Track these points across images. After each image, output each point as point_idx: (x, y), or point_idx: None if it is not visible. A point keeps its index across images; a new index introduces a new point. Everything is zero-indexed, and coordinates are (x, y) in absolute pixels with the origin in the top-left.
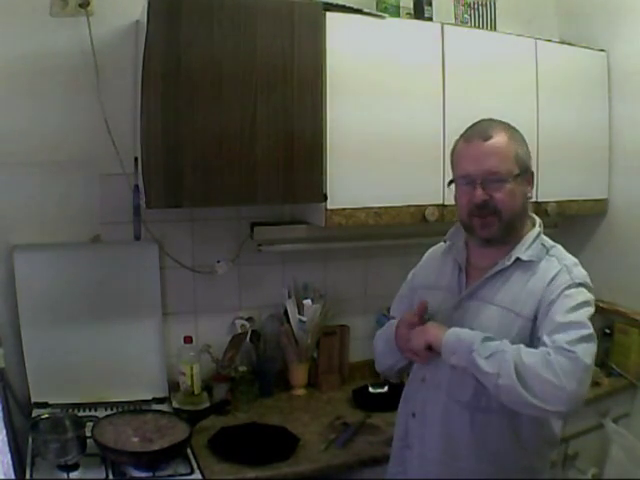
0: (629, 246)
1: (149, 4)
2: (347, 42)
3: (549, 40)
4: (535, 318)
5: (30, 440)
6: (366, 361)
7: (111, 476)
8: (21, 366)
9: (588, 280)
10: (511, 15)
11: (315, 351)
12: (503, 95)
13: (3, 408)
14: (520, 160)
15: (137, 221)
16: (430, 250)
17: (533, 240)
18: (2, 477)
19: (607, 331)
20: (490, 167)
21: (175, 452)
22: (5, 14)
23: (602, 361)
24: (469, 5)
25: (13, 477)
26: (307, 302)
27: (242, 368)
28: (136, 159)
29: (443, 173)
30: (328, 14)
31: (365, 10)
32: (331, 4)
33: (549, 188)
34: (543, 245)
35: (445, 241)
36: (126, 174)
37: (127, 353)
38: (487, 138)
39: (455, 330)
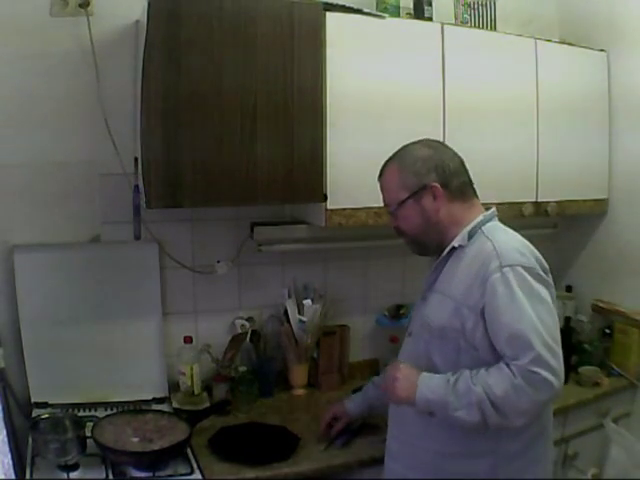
0: (629, 246)
1: (149, 4)
2: (347, 43)
3: (549, 40)
4: (464, 301)
5: (30, 440)
6: (366, 361)
7: (111, 476)
8: (21, 366)
9: (525, 258)
10: (511, 15)
11: (315, 351)
12: (503, 95)
13: (3, 408)
14: (408, 183)
15: (137, 221)
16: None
17: (472, 228)
18: (2, 477)
19: (607, 331)
20: (385, 202)
21: (175, 452)
22: (5, 14)
23: (602, 361)
24: (469, 5)
25: (13, 477)
26: (307, 302)
27: (242, 368)
28: (136, 159)
29: None
30: (328, 14)
31: (365, 10)
32: (331, 4)
33: (549, 188)
34: (482, 231)
35: None
36: (126, 174)
37: (127, 353)
38: (380, 176)
39: (422, 389)
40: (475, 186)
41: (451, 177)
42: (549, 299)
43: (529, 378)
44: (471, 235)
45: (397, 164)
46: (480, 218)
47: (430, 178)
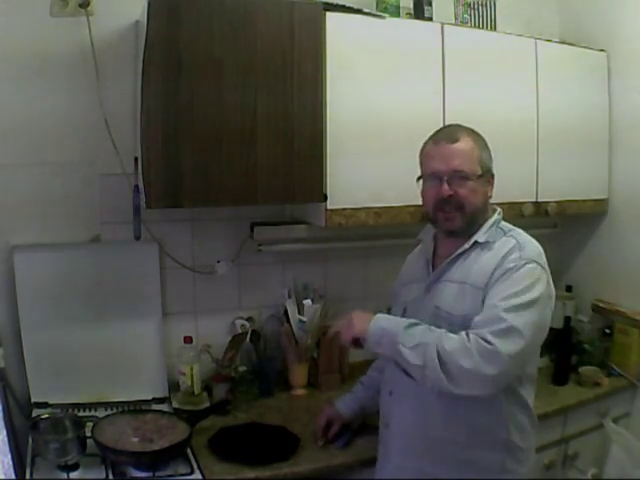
0: (629, 246)
1: (149, 4)
2: (347, 43)
3: (549, 40)
4: (485, 286)
5: (30, 440)
6: (366, 361)
7: (111, 476)
8: (21, 366)
9: (539, 257)
10: (511, 15)
11: (315, 351)
12: (503, 95)
13: (3, 408)
14: (483, 163)
15: (137, 221)
16: (412, 253)
17: (491, 225)
18: (2, 477)
19: (607, 331)
20: (456, 166)
21: (175, 452)
22: (5, 14)
23: (602, 361)
24: (469, 5)
25: (13, 477)
26: (307, 302)
27: (242, 368)
28: (136, 159)
29: None
30: (328, 14)
31: (365, 10)
32: (331, 4)
33: (549, 188)
34: (501, 229)
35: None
36: (126, 174)
37: (127, 353)
38: (454, 140)
39: (379, 319)
40: None
41: None
42: (549, 303)
43: (483, 346)
44: (492, 231)
45: (473, 139)
46: (496, 216)
47: (492, 167)
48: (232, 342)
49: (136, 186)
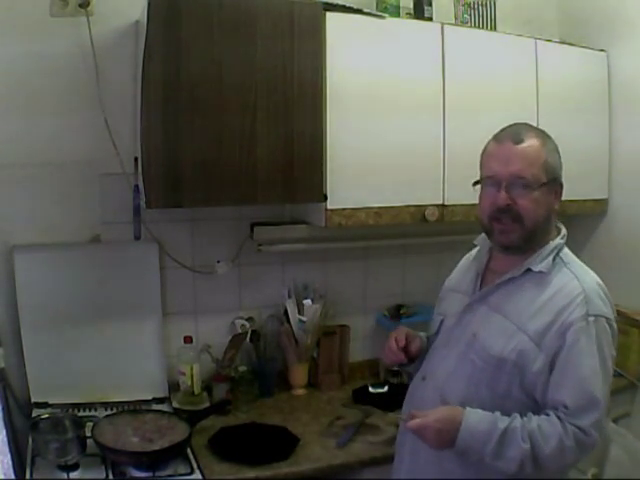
0: (629, 246)
1: (149, 4)
2: (347, 43)
3: (549, 40)
4: (538, 341)
5: (30, 440)
6: (366, 361)
7: (111, 476)
8: (21, 366)
9: (607, 309)
10: (511, 15)
11: (315, 351)
12: (503, 95)
13: (3, 408)
14: (549, 169)
15: (137, 221)
16: (467, 254)
17: (550, 252)
18: (2, 477)
19: None
20: (517, 171)
21: (175, 452)
22: (5, 14)
23: None
24: (469, 5)
25: (13, 477)
26: (307, 302)
27: (242, 368)
28: (136, 159)
29: (443, 173)
30: (328, 14)
31: (365, 10)
32: (331, 4)
33: None
34: (561, 258)
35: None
36: (126, 174)
37: (127, 353)
38: (518, 141)
39: (462, 437)
40: None
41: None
42: (614, 360)
43: (582, 440)
44: (551, 260)
45: (542, 141)
46: (558, 240)
47: (561, 174)
48: (232, 342)
49: (136, 186)
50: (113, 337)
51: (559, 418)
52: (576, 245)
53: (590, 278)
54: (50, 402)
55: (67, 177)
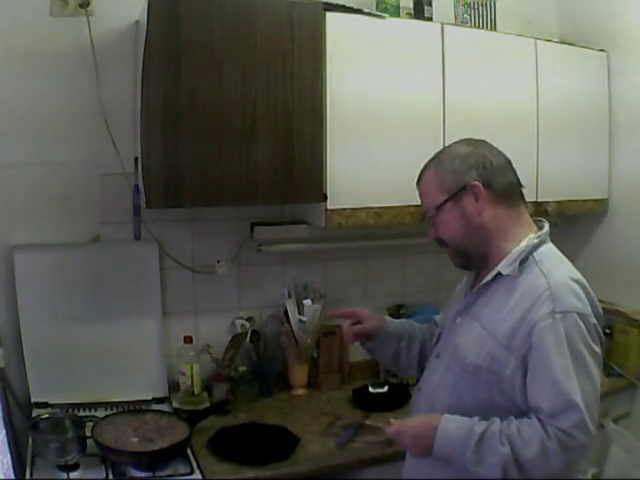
0: (629, 246)
1: (149, 4)
2: (347, 43)
3: (549, 40)
4: (507, 344)
5: (30, 440)
6: (366, 361)
7: (111, 476)
8: (21, 366)
9: (581, 304)
10: (511, 15)
11: (315, 351)
12: (503, 95)
13: (3, 408)
14: (447, 185)
15: (137, 221)
16: None
17: (519, 254)
18: (2, 477)
19: (607, 331)
20: (424, 209)
21: (175, 452)
22: (5, 14)
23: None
24: (469, 5)
25: (13, 477)
26: (307, 302)
27: (242, 368)
28: (136, 159)
29: None
30: (328, 14)
31: (365, 10)
32: (331, 4)
33: (549, 188)
34: (534, 257)
35: None
36: (126, 174)
37: (127, 353)
38: (418, 182)
39: (439, 444)
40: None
41: (495, 175)
42: (597, 356)
43: (565, 442)
44: (521, 262)
45: (434, 166)
46: (534, 241)
47: (470, 176)
48: (232, 342)
49: (136, 186)
50: (113, 337)
51: (540, 420)
52: (576, 245)
53: (561, 273)
54: (50, 402)
55: (67, 177)
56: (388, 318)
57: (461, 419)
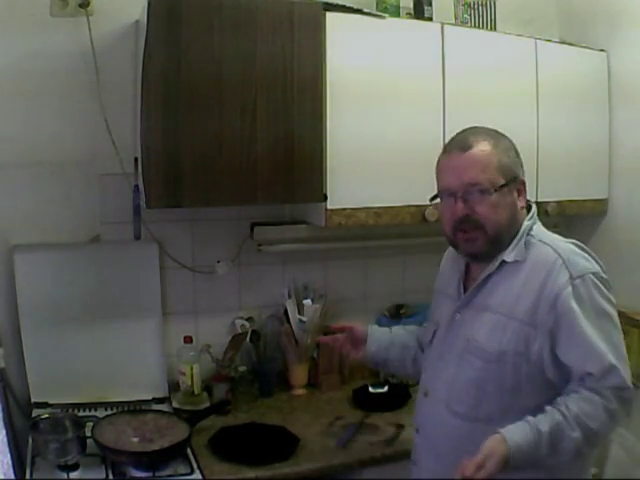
0: (629, 246)
1: (149, 4)
2: (347, 43)
3: (549, 40)
4: (530, 321)
5: (30, 440)
6: None
7: (111, 476)
8: (21, 366)
9: (591, 264)
10: (511, 15)
11: (315, 351)
12: (503, 95)
13: (3, 408)
14: (505, 169)
15: (137, 221)
16: (448, 250)
17: (519, 239)
18: (2, 477)
19: None
20: (470, 179)
21: (175, 452)
22: (5, 14)
23: None
24: (469, 5)
25: (13, 477)
26: (307, 302)
27: (242, 368)
28: (136, 159)
29: None
30: (328, 14)
31: (365, 10)
32: (331, 4)
33: (549, 188)
34: (531, 236)
35: None
36: (126, 174)
37: (127, 353)
38: (466, 148)
39: (513, 455)
40: None
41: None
42: (614, 305)
43: (623, 396)
44: (522, 246)
45: (492, 143)
46: (527, 223)
47: (520, 171)
48: (232, 342)
49: (136, 186)
50: (113, 337)
51: (592, 389)
52: None
53: (563, 242)
54: (50, 402)
55: (67, 177)
56: (372, 332)
57: (520, 425)
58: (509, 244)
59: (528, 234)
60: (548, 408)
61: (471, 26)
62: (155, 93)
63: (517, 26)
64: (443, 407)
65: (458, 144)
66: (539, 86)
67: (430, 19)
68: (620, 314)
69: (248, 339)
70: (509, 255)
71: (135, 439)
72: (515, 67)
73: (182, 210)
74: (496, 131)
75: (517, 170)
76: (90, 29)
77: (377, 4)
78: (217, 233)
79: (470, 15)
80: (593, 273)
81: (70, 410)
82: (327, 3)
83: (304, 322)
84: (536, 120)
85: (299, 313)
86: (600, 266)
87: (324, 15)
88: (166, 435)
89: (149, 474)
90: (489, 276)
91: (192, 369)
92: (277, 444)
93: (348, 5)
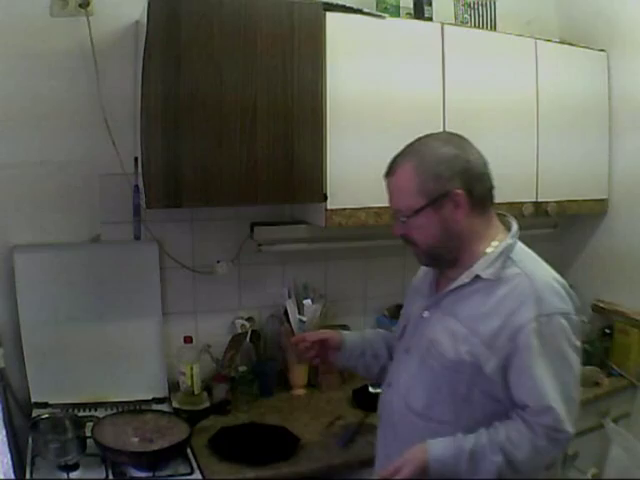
0: (629, 246)
1: (149, 4)
2: (347, 43)
3: (549, 40)
4: (490, 344)
5: (30, 440)
6: None
7: (111, 476)
8: (21, 366)
9: (564, 304)
10: (511, 15)
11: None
12: (503, 95)
13: (3, 408)
14: (427, 189)
15: (137, 221)
16: None
17: (498, 256)
18: (2, 477)
19: (607, 331)
20: (394, 205)
21: (175, 452)
22: (5, 14)
23: (602, 361)
24: (469, 5)
25: (13, 477)
26: (307, 302)
27: (242, 368)
28: (136, 159)
29: None
30: (328, 14)
31: (365, 10)
32: (331, 4)
33: (549, 188)
34: (511, 259)
35: None
36: (126, 174)
37: (127, 353)
38: (391, 174)
39: (432, 465)
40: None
41: (475, 183)
42: (578, 350)
43: (554, 436)
44: (498, 264)
45: (415, 163)
46: (508, 241)
47: (454, 184)
48: (232, 342)
49: (136, 186)
50: (113, 337)
51: (525, 421)
52: (576, 245)
53: (542, 273)
54: (50, 402)
55: (67, 177)
56: (348, 332)
57: (447, 440)
58: (480, 256)
59: (509, 256)
60: (481, 429)
61: (471, 26)
62: (155, 93)
63: (517, 26)
64: (402, 401)
65: (388, 167)
66: (539, 86)
67: (430, 19)
68: (620, 314)
69: (248, 339)
70: (485, 271)
71: (135, 439)
72: (515, 67)
73: (182, 210)
74: (427, 140)
75: (447, 185)
76: (90, 29)
77: (377, 4)
78: (217, 233)
79: (470, 15)
80: (562, 314)
81: (70, 410)
82: (327, 3)
83: (304, 322)
84: (536, 120)
85: (299, 313)
86: (575, 306)
87: (324, 15)
88: (166, 435)
89: (149, 474)
90: (462, 286)
91: (192, 369)
92: (277, 444)
93: (348, 5)
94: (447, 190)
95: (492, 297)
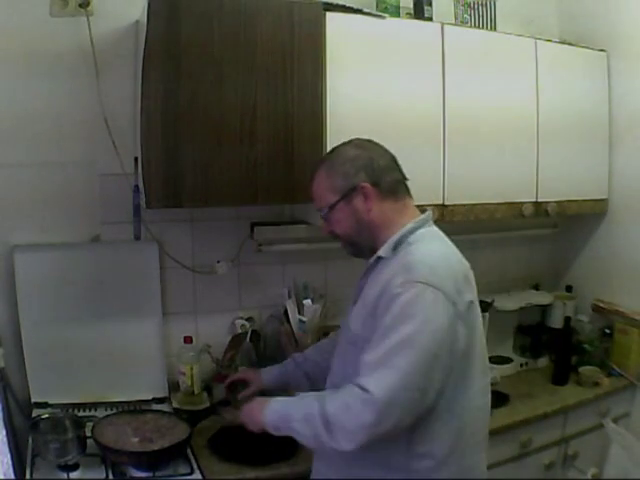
0: (629, 246)
1: (149, 4)
2: (347, 43)
3: (549, 40)
4: (373, 312)
5: (30, 440)
6: None
7: (111, 476)
8: (21, 366)
9: (431, 275)
10: (511, 15)
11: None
12: (503, 95)
13: (3, 408)
14: (337, 187)
15: (137, 221)
16: None
17: (399, 238)
18: (2, 477)
19: (607, 331)
20: (316, 206)
21: (175, 452)
22: (5, 14)
23: (602, 361)
24: (469, 5)
25: (13, 477)
26: (307, 302)
27: (242, 368)
28: (136, 159)
29: (443, 173)
30: (328, 14)
31: (365, 10)
32: (331, 4)
33: (549, 188)
34: (408, 242)
35: None
36: (126, 174)
37: (127, 353)
38: (311, 180)
39: (270, 406)
40: (411, 185)
41: (381, 175)
42: (432, 324)
43: (365, 398)
44: (397, 245)
45: (326, 167)
46: (409, 225)
47: (359, 178)
48: (232, 342)
49: (136, 186)
50: (113, 337)
51: (351, 381)
52: (576, 245)
53: (426, 250)
54: (50, 402)
55: (67, 177)
56: (264, 371)
57: (289, 399)
58: (387, 237)
59: (407, 237)
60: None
61: (471, 26)
62: (155, 93)
63: (517, 26)
64: (331, 384)
65: (310, 176)
66: (539, 86)
67: (430, 19)
68: (620, 314)
69: (248, 339)
70: (383, 251)
71: (135, 439)
72: (515, 67)
73: (182, 210)
74: (337, 147)
75: (354, 180)
76: (90, 29)
77: (377, 4)
78: (217, 233)
79: (470, 15)
80: (427, 284)
81: (70, 410)
82: (327, 3)
83: (304, 322)
84: (536, 120)
85: (299, 313)
86: (453, 285)
87: (324, 15)
88: (166, 435)
89: (149, 474)
90: (370, 269)
91: (192, 369)
92: (277, 444)
93: (348, 5)
94: (354, 184)
95: (381, 273)
